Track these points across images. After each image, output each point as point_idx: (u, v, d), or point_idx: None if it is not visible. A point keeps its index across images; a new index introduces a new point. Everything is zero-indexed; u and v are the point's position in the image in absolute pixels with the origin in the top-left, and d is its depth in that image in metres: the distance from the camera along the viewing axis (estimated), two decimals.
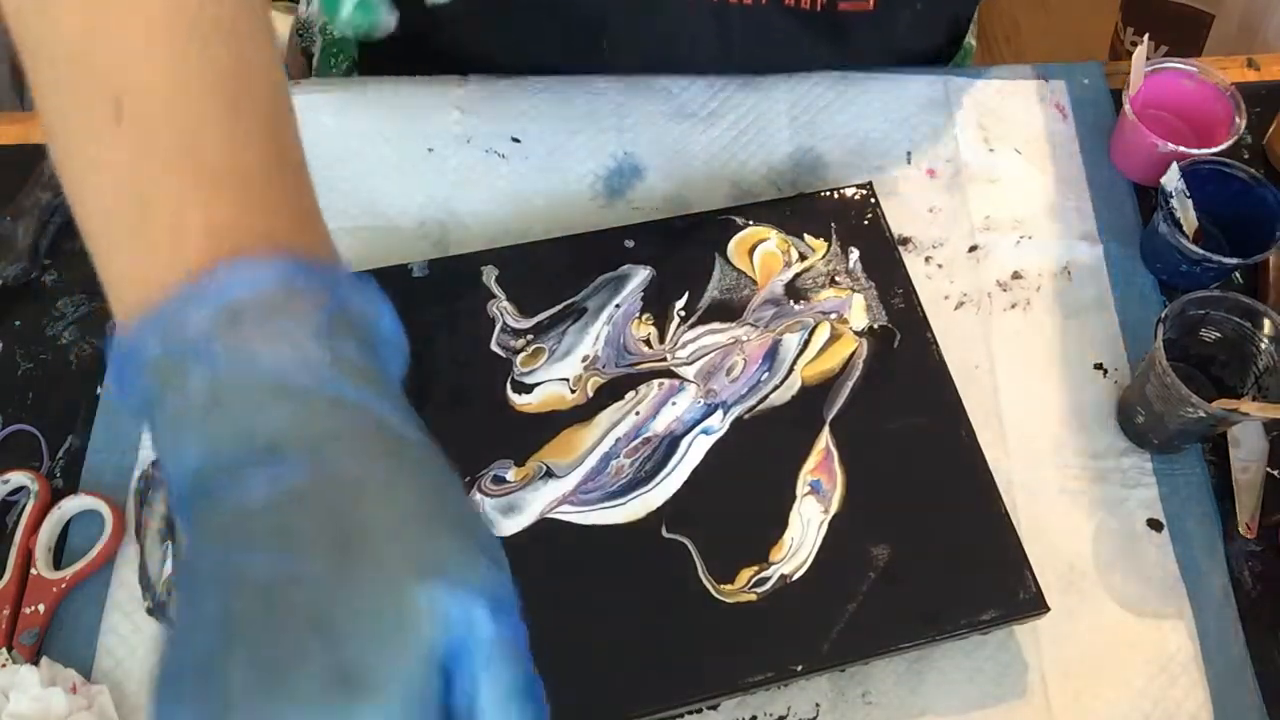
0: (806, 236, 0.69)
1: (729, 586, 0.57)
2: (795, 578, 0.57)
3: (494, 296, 0.66)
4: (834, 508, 0.59)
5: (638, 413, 0.62)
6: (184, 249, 0.33)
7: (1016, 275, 0.71)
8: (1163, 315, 0.60)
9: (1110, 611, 0.60)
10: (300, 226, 0.35)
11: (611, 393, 0.63)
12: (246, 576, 0.27)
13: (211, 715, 0.26)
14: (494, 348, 0.64)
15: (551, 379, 0.63)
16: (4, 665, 0.56)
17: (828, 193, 0.71)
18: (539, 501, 0.59)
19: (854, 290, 0.67)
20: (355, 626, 0.27)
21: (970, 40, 0.85)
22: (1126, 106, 0.72)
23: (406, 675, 0.27)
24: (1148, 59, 0.74)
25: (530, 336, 0.65)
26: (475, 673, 0.29)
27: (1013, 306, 0.70)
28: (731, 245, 0.68)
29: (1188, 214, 0.69)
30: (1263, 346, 0.61)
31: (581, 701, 0.54)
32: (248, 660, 0.26)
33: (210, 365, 0.30)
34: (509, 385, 0.63)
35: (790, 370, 0.64)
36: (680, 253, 0.68)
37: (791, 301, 0.66)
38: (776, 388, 0.63)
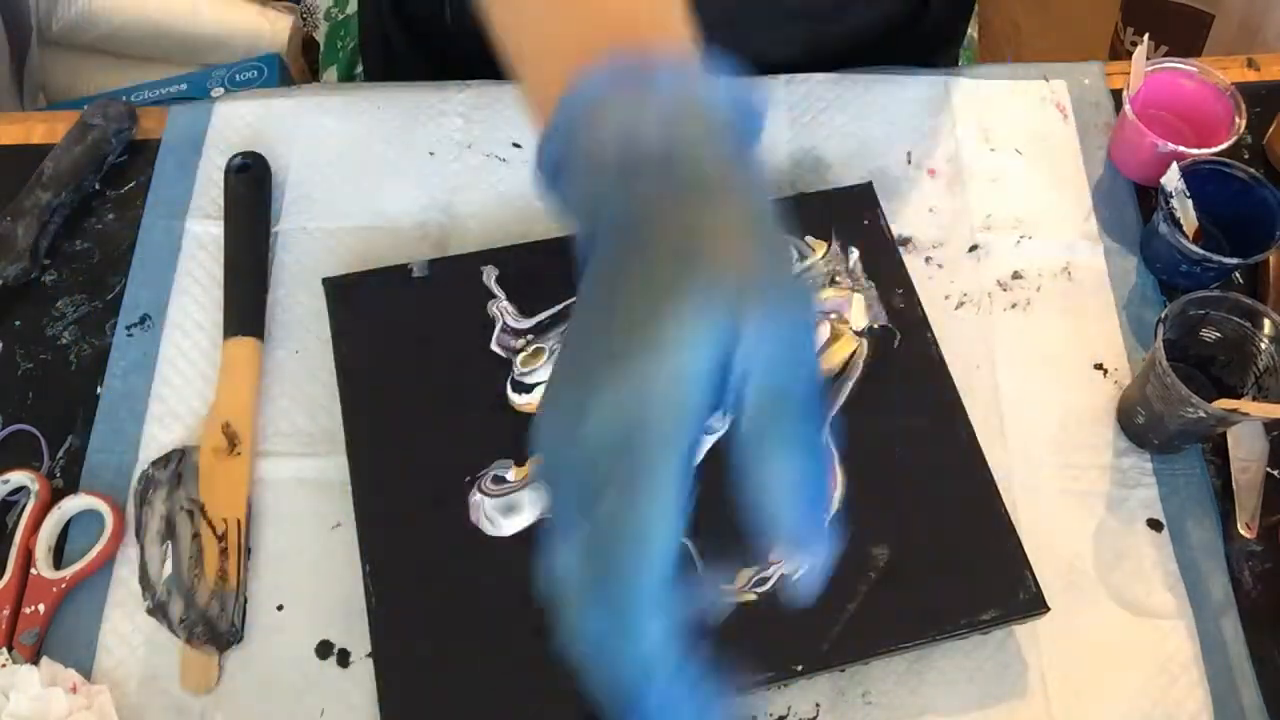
0: (806, 236, 0.69)
1: (729, 586, 0.57)
2: (795, 578, 0.57)
3: (494, 296, 0.66)
4: (834, 508, 0.59)
5: None
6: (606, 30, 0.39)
7: (1016, 275, 0.71)
8: (1163, 315, 0.60)
9: (1110, 611, 0.60)
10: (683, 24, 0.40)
11: None
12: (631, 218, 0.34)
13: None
14: (494, 348, 0.64)
15: None
16: (4, 665, 0.56)
17: (828, 193, 0.71)
18: (539, 501, 0.59)
19: (854, 290, 0.67)
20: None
21: (971, 32, 0.85)
22: (1126, 106, 0.72)
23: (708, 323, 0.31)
24: (1148, 59, 0.74)
25: (530, 336, 0.65)
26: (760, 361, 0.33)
27: (1013, 306, 0.70)
28: None
29: (1188, 214, 0.69)
30: (1263, 346, 0.61)
31: (582, 702, 0.54)
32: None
33: (647, 96, 0.36)
34: (509, 385, 0.63)
35: None
36: None
37: None
38: None
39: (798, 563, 0.37)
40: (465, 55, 0.83)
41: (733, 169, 0.37)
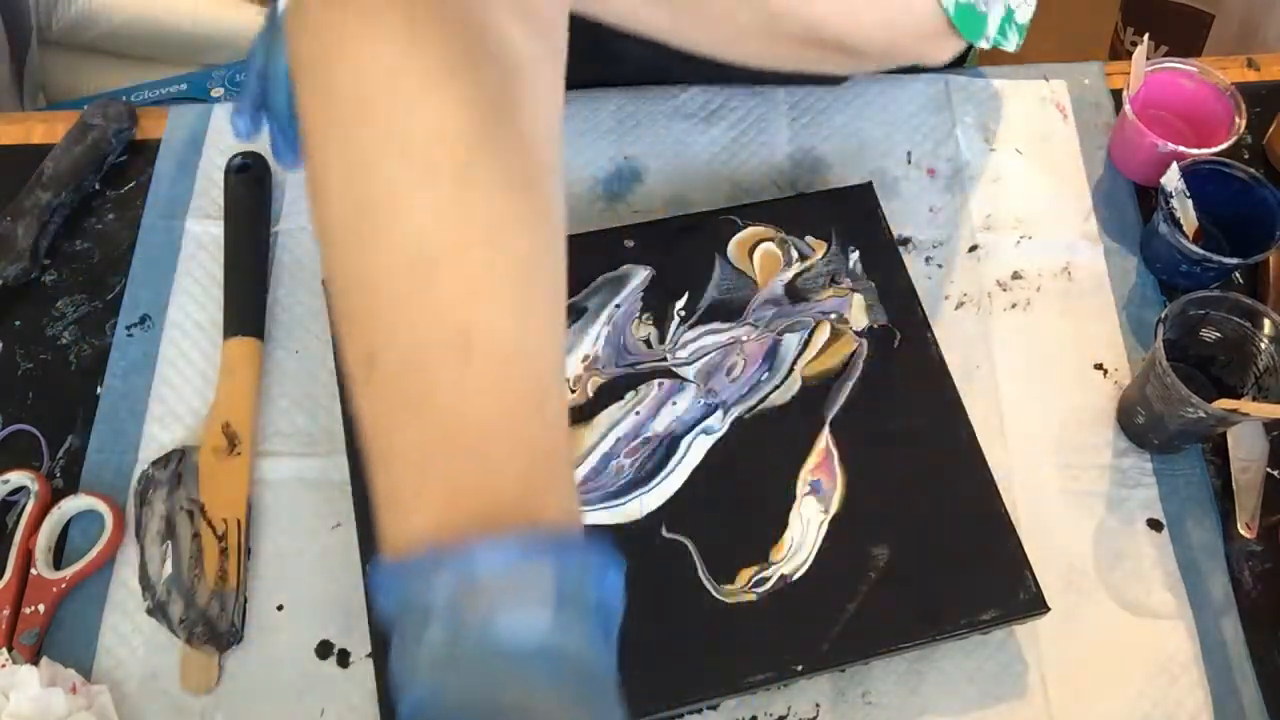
0: (807, 236, 0.69)
1: (729, 586, 0.57)
2: (795, 578, 0.57)
3: None
4: (834, 508, 0.59)
5: (638, 413, 0.62)
6: (430, 511, 0.37)
7: (1016, 275, 0.71)
8: (1163, 315, 0.60)
9: (1110, 611, 0.60)
10: (547, 488, 0.39)
11: (611, 393, 0.63)
12: None
13: None
14: None
15: None
16: (4, 665, 0.56)
17: (828, 193, 0.71)
18: None
19: (854, 290, 0.67)
20: None
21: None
22: (1126, 106, 0.72)
23: None
24: (1148, 59, 0.74)
25: None
26: None
27: (1013, 306, 0.70)
28: (731, 245, 0.68)
29: (1188, 214, 0.69)
30: (1263, 346, 0.61)
31: None
32: None
33: (450, 627, 0.35)
34: None
35: (790, 370, 0.64)
36: (680, 253, 0.68)
37: (791, 301, 0.66)
38: (776, 387, 0.63)
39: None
40: None
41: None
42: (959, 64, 0.86)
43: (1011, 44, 0.63)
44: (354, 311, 0.39)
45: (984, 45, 0.62)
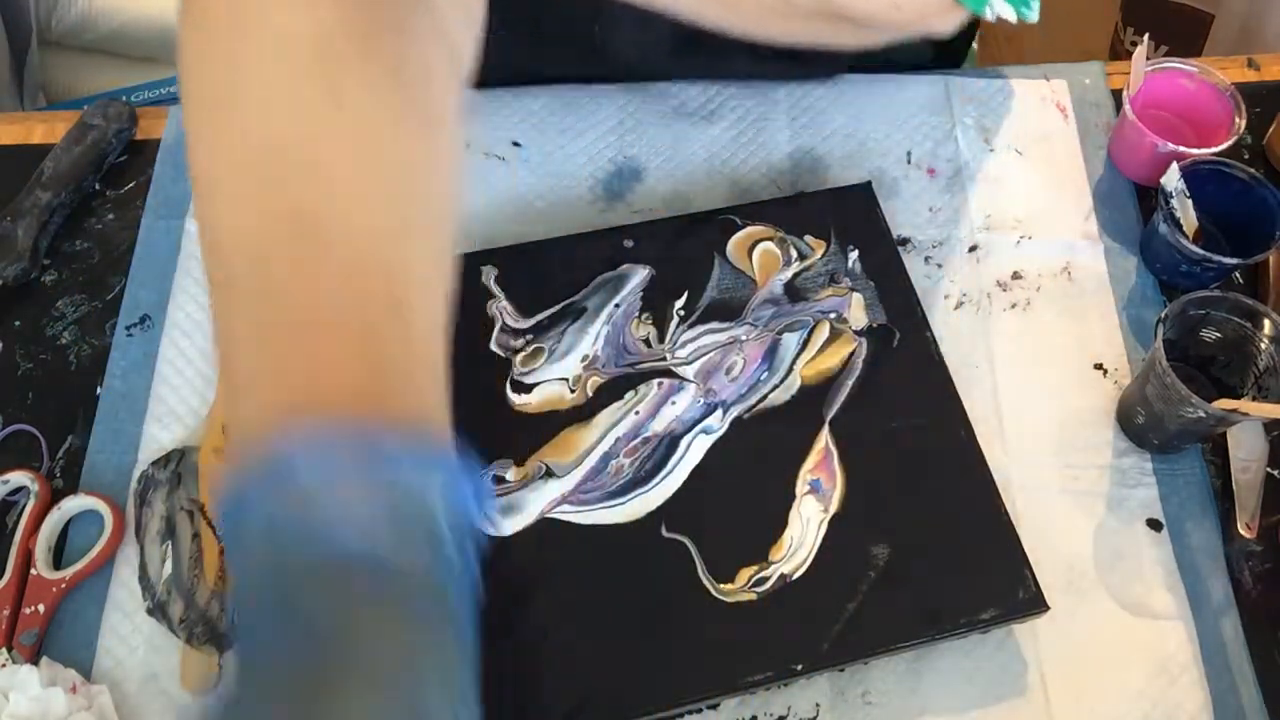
0: (806, 236, 0.69)
1: (729, 586, 0.57)
2: (795, 577, 0.57)
3: (493, 296, 0.66)
4: (834, 507, 0.59)
5: (637, 412, 0.62)
6: (263, 397, 0.35)
7: (1016, 275, 0.71)
8: (1163, 315, 0.60)
9: (1110, 611, 0.60)
10: (397, 391, 0.37)
11: (611, 392, 0.63)
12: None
13: None
14: (493, 348, 0.64)
15: (551, 379, 0.63)
16: (4, 665, 0.56)
17: (827, 192, 0.71)
18: (539, 501, 0.59)
19: (853, 289, 0.67)
20: None
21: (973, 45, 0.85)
22: (1126, 106, 0.72)
23: None
24: (1148, 59, 0.74)
25: (530, 336, 0.65)
26: None
27: (1013, 306, 0.70)
28: (731, 245, 0.68)
29: (1188, 214, 0.69)
30: (1263, 346, 0.61)
31: (582, 701, 0.55)
32: None
33: (268, 530, 0.33)
34: (508, 385, 0.63)
35: (790, 370, 0.64)
36: (679, 252, 0.68)
37: (791, 301, 0.66)
38: (776, 387, 0.63)
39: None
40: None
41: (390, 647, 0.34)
42: (959, 63, 0.86)
43: (1034, 13, 0.63)
44: (209, 207, 0.38)
45: (989, 17, 0.63)
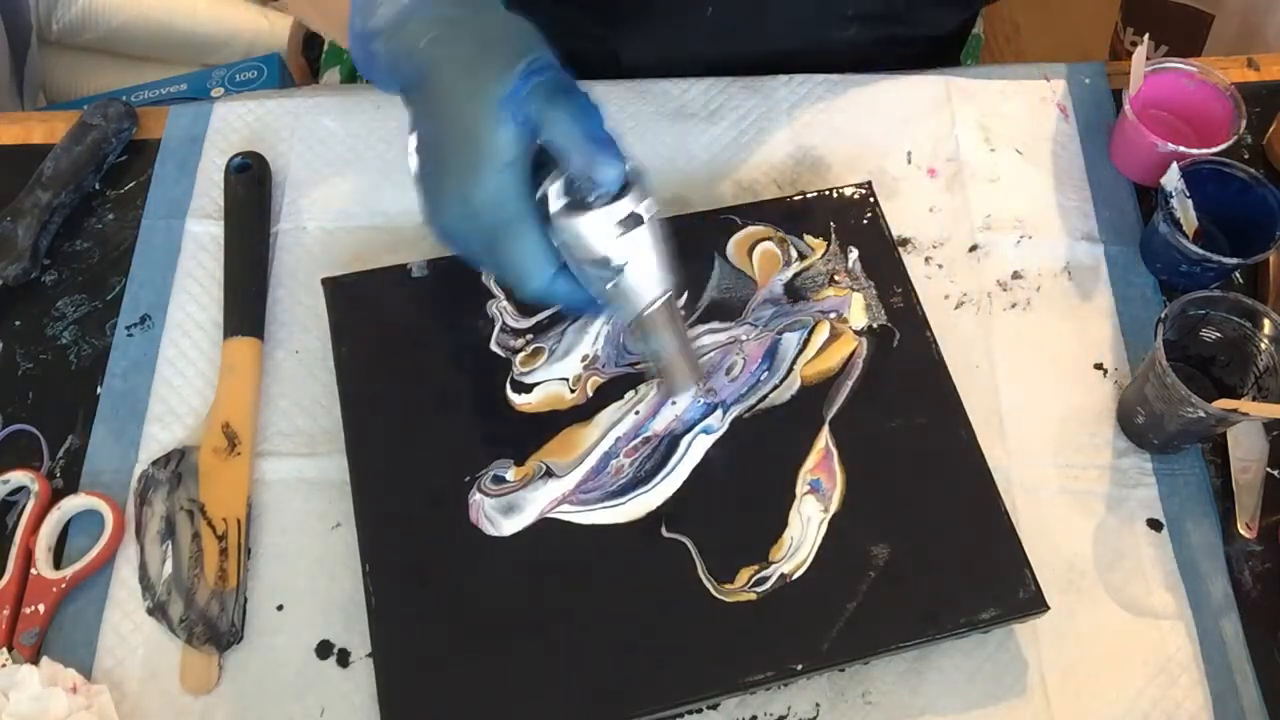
0: (806, 236, 0.69)
1: (729, 586, 0.57)
2: (795, 577, 0.57)
3: (493, 296, 0.66)
4: (834, 507, 0.59)
5: (637, 412, 0.62)
6: None
7: (1016, 275, 0.71)
8: (1163, 315, 0.60)
9: (1110, 611, 0.60)
10: None
11: (611, 392, 0.63)
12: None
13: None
14: (493, 347, 0.64)
15: (551, 378, 0.63)
16: (4, 665, 0.56)
17: (828, 193, 0.71)
18: (539, 501, 0.59)
19: (854, 290, 0.67)
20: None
21: (978, 31, 0.85)
22: (1126, 106, 0.72)
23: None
24: (1148, 59, 0.74)
25: (530, 336, 0.65)
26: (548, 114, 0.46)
27: (1013, 306, 0.70)
28: (731, 245, 0.68)
29: (1188, 214, 0.69)
30: (1263, 346, 0.61)
31: (582, 701, 0.55)
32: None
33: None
34: (509, 385, 0.63)
35: (790, 369, 0.64)
36: (679, 252, 0.68)
37: (791, 301, 0.66)
38: (776, 387, 0.63)
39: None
40: None
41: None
42: (959, 63, 0.86)
43: None
44: None
45: None
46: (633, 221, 0.48)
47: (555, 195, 0.48)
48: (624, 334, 0.64)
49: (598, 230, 0.48)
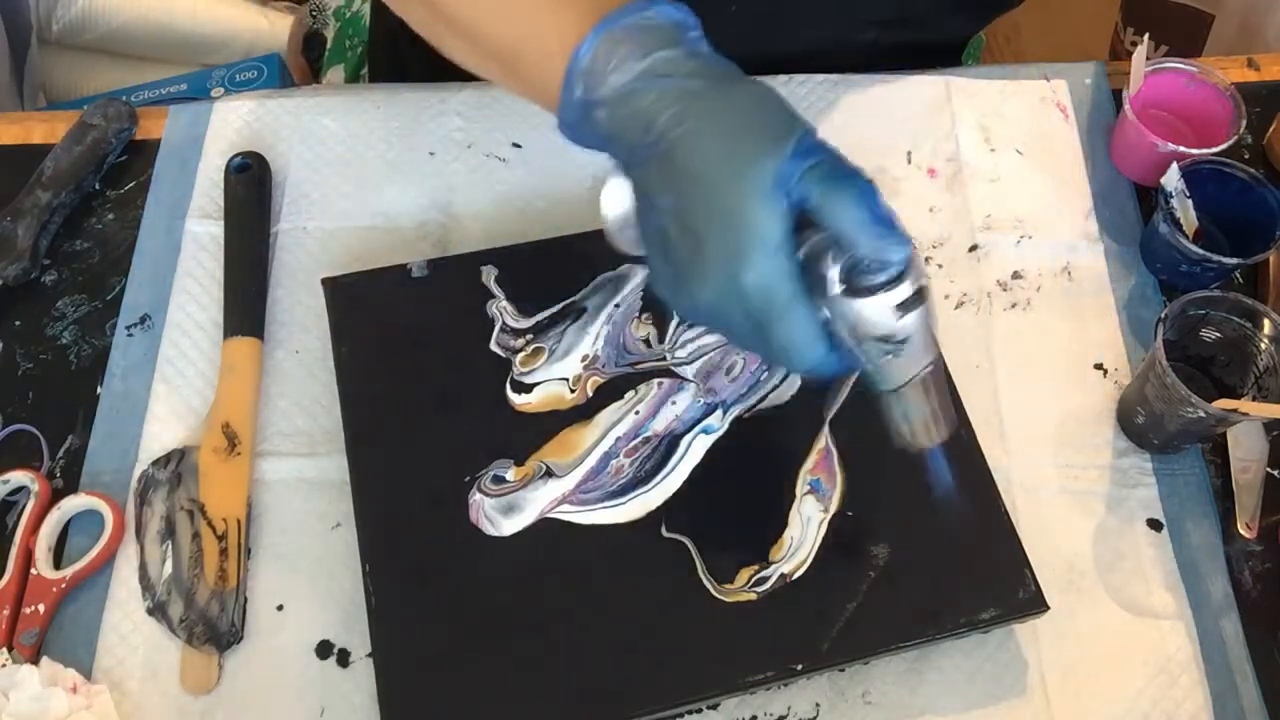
0: None
1: (729, 586, 0.57)
2: (795, 577, 0.57)
3: (493, 296, 0.66)
4: (834, 507, 0.59)
5: (637, 412, 0.62)
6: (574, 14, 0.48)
7: (1016, 275, 0.71)
8: (1163, 315, 0.60)
9: (1110, 611, 0.60)
10: None
11: (611, 392, 0.63)
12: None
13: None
14: (493, 347, 0.64)
15: (551, 378, 0.63)
16: (4, 665, 0.56)
17: None
18: (539, 501, 0.59)
19: None
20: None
21: (979, 32, 0.86)
22: (1126, 106, 0.72)
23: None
24: (1148, 59, 0.74)
25: (530, 336, 0.65)
26: (822, 192, 0.45)
27: (1013, 306, 0.70)
28: None
29: (1188, 214, 0.69)
30: (1263, 346, 0.61)
31: (582, 701, 0.55)
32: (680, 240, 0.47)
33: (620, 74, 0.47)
34: (509, 385, 0.63)
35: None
36: None
37: None
38: (776, 387, 0.63)
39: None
40: None
41: (726, 65, 0.48)
42: (959, 63, 0.86)
43: None
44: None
45: None
46: (916, 301, 0.47)
47: (836, 278, 0.46)
48: (624, 335, 0.64)
49: (882, 311, 0.47)
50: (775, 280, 0.45)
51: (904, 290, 0.47)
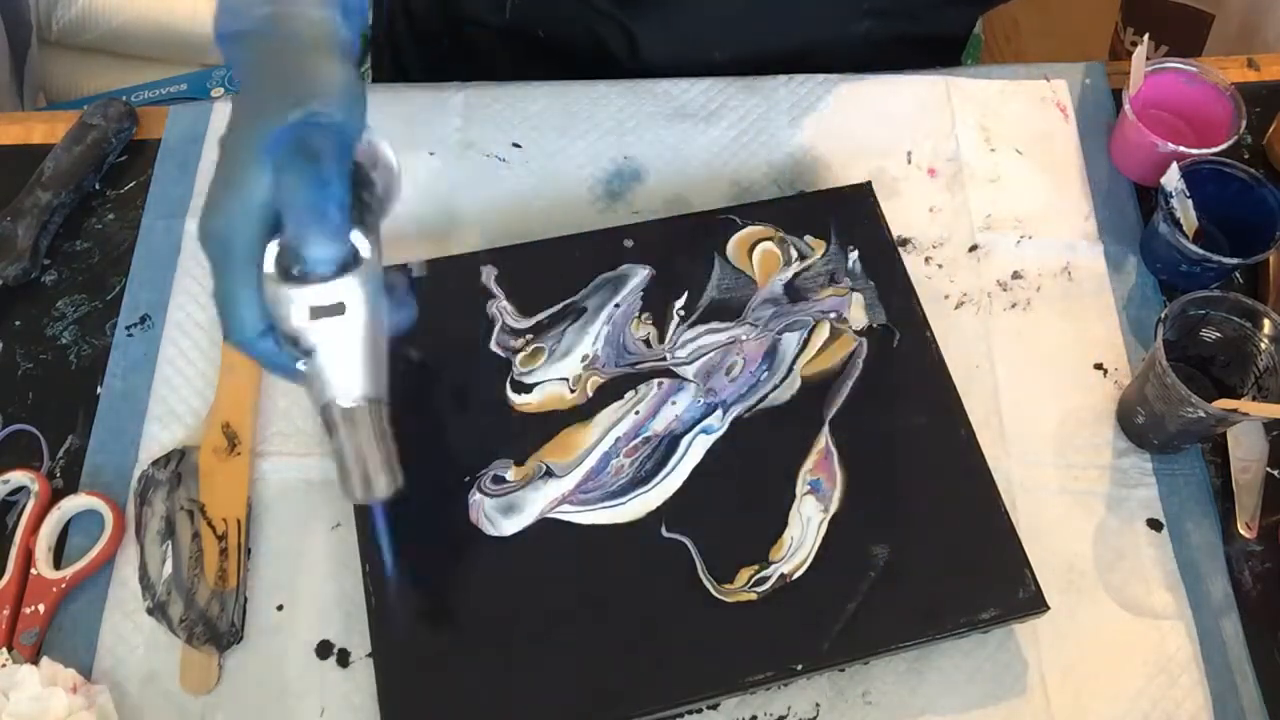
0: (806, 236, 0.69)
1: (729, 586, 0.57)
2: (795, 577, 0.57)
3: (493, 296, 0.66)
4: (834, 507, 0.59)
5: (637, 412, 0.62)
6: None
7: (1016, 275, 0.71)
8: (1163, 315, 0.60)
9: (1110, 611, 0.60)
10: None
11: (611, 392, 0.63)
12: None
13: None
14: (493, 347, 0.64)
15: (551, 379, 0.63)
16: (4, 665, 0.56)
17: (827, 192, 0.71)
18: (539, 501, 0.59)
19: (853, 289, 0.67)
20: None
21: (977, 31, 0.86)
22: (1126, 106, 0.72)
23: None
24: (1148, 59, 0.74)
25: (530, 336, 0.65)
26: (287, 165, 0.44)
27: (1013, 306, 0.70)
28: (731, 245, 0.68)
29: (1188, 214, 0.69)
30: (1263, 346, 0.61)
31: (582, 701, 0.55)
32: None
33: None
34: (509, 385, 0.63)
35: (790, 369, 0.64)
36: (680, 252, 0.68)
37: (791, 301, 0.66)
38: (776, 387, 0.63)
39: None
40: (469, 58, 0.83)
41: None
42: (959, 63, 0.86)
43: None
44: None
45: None
46: (333, 310, 0.45)
47: (271, 255, 0.45)
48: (624, 335, 0.64)
49: (294, 306, 0.45)
50: (232, 234, 0.45)
51: (318, 294, 0.45)
